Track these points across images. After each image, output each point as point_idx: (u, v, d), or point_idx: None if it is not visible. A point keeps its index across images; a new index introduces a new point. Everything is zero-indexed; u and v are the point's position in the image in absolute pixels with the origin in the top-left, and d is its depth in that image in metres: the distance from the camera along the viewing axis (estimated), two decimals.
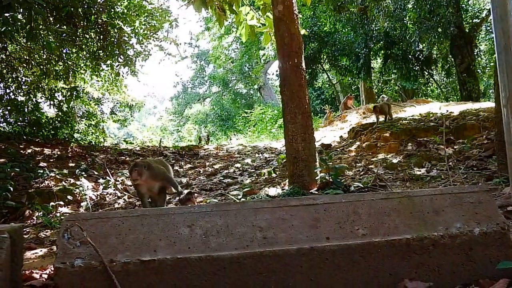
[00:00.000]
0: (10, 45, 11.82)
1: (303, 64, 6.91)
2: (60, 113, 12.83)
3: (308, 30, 19.05)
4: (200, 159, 11.28)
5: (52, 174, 8.90)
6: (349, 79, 23.97)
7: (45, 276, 4.20)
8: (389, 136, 9.18)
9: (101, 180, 9.18)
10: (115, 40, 12.14)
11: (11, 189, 7.87)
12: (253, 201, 2.20)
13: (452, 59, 20.06)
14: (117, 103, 17.53)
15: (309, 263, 1.97)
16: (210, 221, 2.06)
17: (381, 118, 10.54)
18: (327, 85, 29.21)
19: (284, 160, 8.83)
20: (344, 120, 14.17)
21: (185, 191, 6.47)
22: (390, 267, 2.01)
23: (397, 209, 2.15)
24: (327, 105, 20.26)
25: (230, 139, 18.21)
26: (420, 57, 20.37)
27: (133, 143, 12.45)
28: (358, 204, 2.18)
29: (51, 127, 12.61)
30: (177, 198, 6.42)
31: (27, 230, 7.09)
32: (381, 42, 20.17)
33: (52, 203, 7.85)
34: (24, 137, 11.54)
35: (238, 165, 10.27)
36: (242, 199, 6.89)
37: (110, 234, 1.98)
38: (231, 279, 1.93)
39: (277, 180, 8.21)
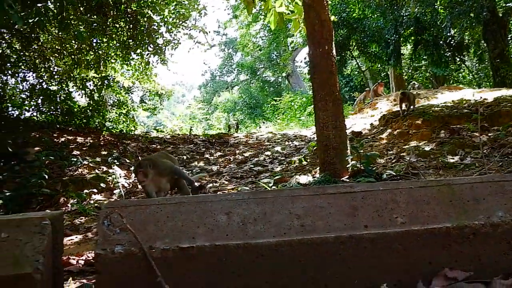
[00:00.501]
0: (42, 36, 12.02)
1: (334, 51, 6.85)
2: (91, 102, 13.03)
3: (337, 17, 18.84)
4: (230, 147, 11.33)
5: (85, 162, 9.05)
6: (379, 66, 23.71)
7: (82, 262, 4.29)
8: (421, 123, 9.06)
9: (132, 169, 9.30)
10: (145, 29, 12.23)
11: (46, 176, 8.03)
12: (289, 188, 2.20)
13: (485, 45, 19.60)
14: (146, 92, 17.69)
15: (347, 251, 1.96)
16: (247, 209, 2.07)
17: (404, 106, 10.24)
18: (356, 72, 28.92)
19: (315, 148, 8.80)
20: (375, 107, 14.02)
21: (197, 183, 6.27)
22: (429, 255, 1.99)
23: (436, 197, 2.12)
24: (356, 92, 20.08)
25: (259, 127, 18.22)
26: (452, 42, 19.97)
27: (163, 132, 12.56)
28: (396, 192, 2.15)
29: (83, 116, 12.83)
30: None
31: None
32: (411, 28, 19.79)
33: (85, 191, 8.01)
34: (57, 126, 11.77)
35: (268, 153, 10.27)
36: (273, 187, 6.90)
37: (148, 221, 2.00)
38: (269, 266, 1.94)
39: (308, 168, 8.19)
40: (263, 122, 22.16)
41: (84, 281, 3.26)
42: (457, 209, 2.07)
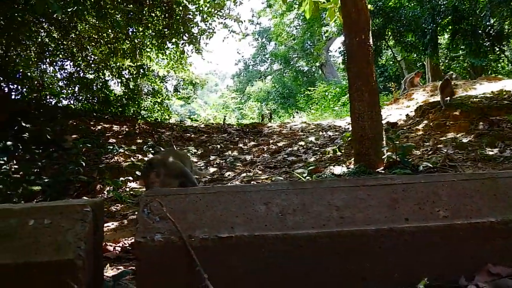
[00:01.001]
0: (80, 25, 12.20)
1: (370, 41, 6.76)
2: (127, 91, 13.20)
3: (373, 6, 18.57)
4: (263, 137, 11.33)
5: (121, 150, 9.19)
6: (415, 56, 23.24)
7: (119, 248, 4.35)
8: (459, 114, 8.86)
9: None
10: (180, 18, 12.30)
11: (83, 164, 8.20)
12: (329, 179, 2.18)
13: None
14: (180, 81, 17.81)
15: (387, 244, 1.93)
16: (286, 199, 2.06)
17: (446, 94, 9.90)
18: (391, 62, 28.46)
19: (350, 138, 8.72)
20: (410, 98, 13.79)
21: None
22: (472, 250, 1.95)
23: (480, 190, 2.07)
24: (392, 83, 19.80)
25: (293, 117, 18.16)
26: (491, 32, 19.39)
27: (197, 121, 12.63)
28: (438, 185, 2.11)
29: (118, 104, 13.01)
30: None
31: None
32: (449, 17, 19.30)
33: (121, 178, 8.13)
34: (94, 114, 11.98)
35: (302, 143, 10.23)
36: (307, 177, 6.88)
37: (188, 210, 2.01)
38: (307, 258, 1.93)
39: (342, 159, 8.13)
40: (297, 112, 22.02)
41: (122, 268, 3.31)
42: (502, 203, 2.02)
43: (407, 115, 11.08)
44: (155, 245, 1.92)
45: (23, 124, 9.22)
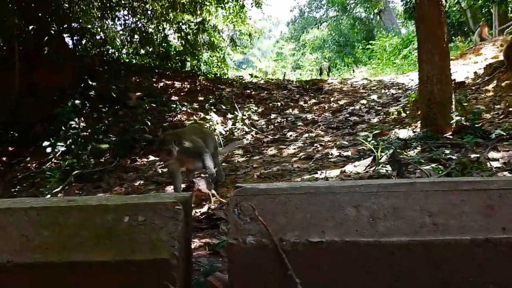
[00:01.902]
0: None
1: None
2: (187, 45, 13.23)
3: None
4: (324, 94, 11.19)
5: (184, 109, 9.31)
6: (480, 2, 22.02)
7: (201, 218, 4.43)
8: None
9: (229, 115, 9.48)
10: None
11: (149, 123, 8.38)
12: (421, 182, 2.13)
13: None
14: (236, 32, 17.67)
15: (483, 255, 1.89)
16: (376, 203, 2.03)
17: None
18: (454, 9, 27.10)
19: (414, 99, 8.51)
20: (478, 53, 13.15)
21: (210, 173, 5.20)
22: None
23: None
24: (458, 36, 18.94)
25: (353, 71, 17.80)
26: None
27: (258, 77, 12.57)
28: None
29: (178, 59, 13.10)
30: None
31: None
32: None
33: None
34: (155, 70, 12.11)
35: (364, 101, 10.06)
36: (372, 141, 6.80)
37: (277, 211, 2.03)
38: (399, 266, 1.92)
39: (407, 121, 7.96)
40: (356, 65, 21.51)
41: (196, 240, 3.42)
42: None
43: (475, 72, 10.62)
44: (247, 247, 1.95)
45: (90, 82, 9.45)
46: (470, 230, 1.93)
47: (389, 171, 5.32)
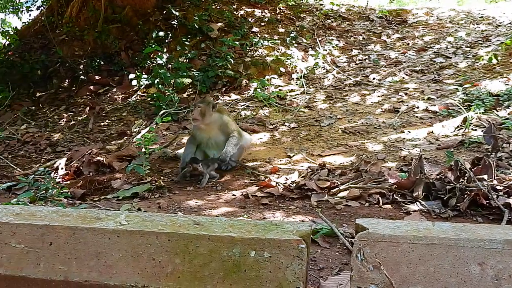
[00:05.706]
0: None
1: None
2: None
3: None
4: (408, 27, 10.69)
5: (265, 43, 9.21)
6: None
7: (281, 187, 4.53)
8: None
9: (310, 51, 9.32)
10: None
11: (232, 61, 8.41)
12: None
13: None
14: None
15: None
16: (501, 262, 2.02)
17: None
18: None
19: (509, 46, 8.05)
20: None
21: (223, 157, 5.07)
22: None
23: None
24: None
25: None
26: None
27: (339, 5, 12.08)
28: None
29: None
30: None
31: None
32: None
33: (266, 76, 8.28)
34: None
35: (451, 38, 9.56)
36: (461, 95, 6.62)
37: (400, 261, 2.06)
38: None
39: (499, 70, 7.55)
40: None
41: (278, 214, 3.52)
42: None
43: None
44: None
45: (173, 11, 9.44)
46: None
47: (479, 137, 5.20)
